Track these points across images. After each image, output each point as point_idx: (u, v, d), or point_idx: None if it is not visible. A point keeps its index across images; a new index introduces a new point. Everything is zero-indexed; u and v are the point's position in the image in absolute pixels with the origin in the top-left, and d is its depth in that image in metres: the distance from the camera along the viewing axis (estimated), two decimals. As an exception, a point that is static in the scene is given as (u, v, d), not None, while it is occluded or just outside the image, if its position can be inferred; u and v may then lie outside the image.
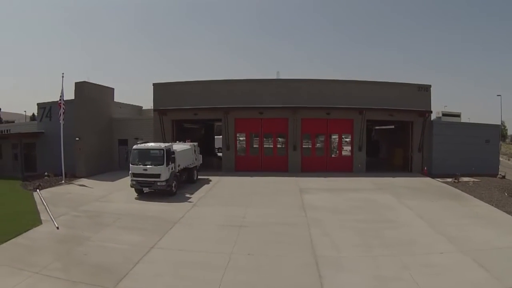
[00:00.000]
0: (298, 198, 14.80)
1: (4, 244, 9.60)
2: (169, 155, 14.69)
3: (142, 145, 15.26)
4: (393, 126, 25.24)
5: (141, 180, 14.57)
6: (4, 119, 53.80)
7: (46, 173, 21.22)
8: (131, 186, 14.99)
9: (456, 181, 18.72)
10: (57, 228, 11.13)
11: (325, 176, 19.55)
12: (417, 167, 21.56)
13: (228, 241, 9.58)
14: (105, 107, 22.41)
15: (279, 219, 11.62)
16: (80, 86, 20.47)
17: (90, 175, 20.57)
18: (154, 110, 21.27)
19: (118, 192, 16.29)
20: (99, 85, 22.03)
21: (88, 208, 13.55)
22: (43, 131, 22.96)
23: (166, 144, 15.29)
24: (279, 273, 7.63)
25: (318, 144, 21.71)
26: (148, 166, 14.42)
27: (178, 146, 16.30)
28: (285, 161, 21.13)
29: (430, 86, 21.93)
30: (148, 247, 9.31)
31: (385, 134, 26.85)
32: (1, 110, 58.84)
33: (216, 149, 31.55)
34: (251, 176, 19.48)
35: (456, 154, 21.28)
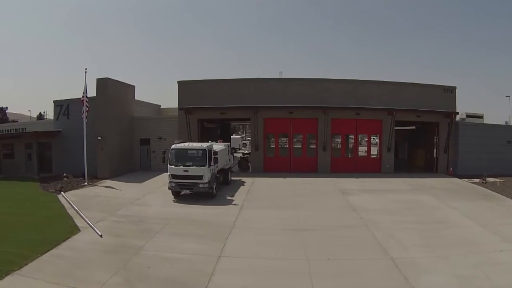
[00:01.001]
0: (343, 199, 13.93)
1: (44, 256, 8.19)
2: (211, 156, 13.37)
3: (181, 144, 13.87)
4: (413, 127, 24.59)
5: (181, 182, 13.19)
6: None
7: (64, 174, 19.48)
8: (169, 189, 13.60)
9: (483, 181, 18.20)
10: (101, 236, 9.71)
11: (356, 177, 18.64)
12: (443, 168, 20.91)
13: (297, 245, 8.82)
14: (126, 105, 20.82)
15: (336, 222, 10.88)
16: (103, 83, 18.84)
17: (112, 176, 18.98)
18: (180, 108, 19.83)
19: (151, 195, 14.87)
20: (121, 82, 20.43)
21: (126, 213, 12.13)
22: (60, 130, 21.14)
23: (208, 144, 13.96)
24: (366, 277, 7.13)
25: (347, 145, 20.81)
26: (189, 167, 13.05)
27: (216, 146, 15.00)
28: (315, 161, 20.07)
29: (455, 87, 21.36)
30: (215, 256, 8.16)
31: (404, 135, 26.19)
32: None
33: (233, 149, 30.17)
34: (283, 177, 18.35)
35: (480, 155, 20.77)
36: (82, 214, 11.64)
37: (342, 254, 8.20)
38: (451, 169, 20.73)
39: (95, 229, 10.17)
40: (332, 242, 9.05)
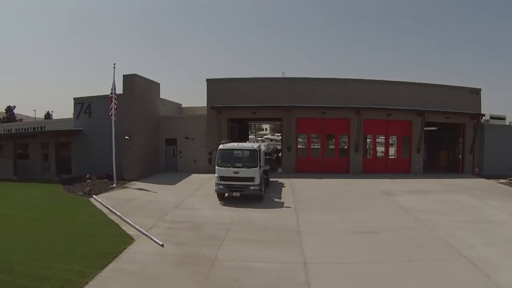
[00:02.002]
0: (389, 200, 13.32)
1: (105, 272, 6.98)
2: (261, 156, 12.33)
3: (230, 144, 12.82)
4: (435, 128, 24.21)
5: (231, 184, 12.06)
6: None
7: (87, 176, 18.01)
8: (217, 191, 12.45)
9: (511, 181, 17.98)
10: (162, 245, 8.52)
11: (390, 178, 17.99)
12: (468, 169, 20.55)
13: (373, 248, 8.31)
14: (151, 103, 19.45)
15: (395, 223, 10.35)
16: (130, 80, 17.44)
17: (139, 177, 17.63)
18: (211, 107, 18.63)
19: (193, 198, 13.68)
20: (147, 78, 19.05)
21: (176, 218, 10.93)
22: (81, 128, 19.56)
23: (257, 144, 12.90)
24: (451, 276, 6.86)
25: (378, 146, 20.15)
26: (239, 169, 11.97)
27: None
28: (346, 162, 19.25)
29: (480, 89, 21.05)
30: (299, 263, 7.36)
31: (425, 136, 25.85)
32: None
33: None
34: (318, 178, 17.47)
35: (505, 155, 20.58)
36: (129, 221, 10.38)
37: (419, 255, 7.83)
38: (477, 169, 20.40)
39: (152, 237, 8.96)
40: (403, 243, 8.62)
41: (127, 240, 8.91)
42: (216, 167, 12.39)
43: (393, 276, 6.82)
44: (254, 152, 12.22)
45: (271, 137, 47.57)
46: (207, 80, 19.46)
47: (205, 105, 19.37)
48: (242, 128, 29.06)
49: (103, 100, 19.11)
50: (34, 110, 54.23)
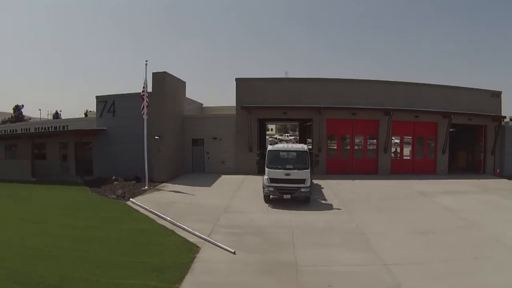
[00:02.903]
0: (430, 201, 13.32)
1: (185, 286, 6.33)
2: (311, 158, 11.95)
3: (279, 145, 12.55)
4: (453, 130, 24.43)
5: (282, 187, 11.60)
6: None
7: (114, 177, 17.11)
8: (267, 193, 11.95)
9: None
10: (234, 253, 7.97)
11: (419, 179, 17.87)
12: (490, 169, 20.72)
13: (445, 247, 8.25)
14: (179, 102, 18.71)
15: (447, 223, 10.32)
16: (161, 78, 16.63)
17: (169, 179, 16.90)
18: (241, 107, 18.04)
19: (237, 200, 13.11)
20: (176, 77, 18.28)
21: (230, 222, 10.37)
22: (104, 128, 18.60)
23: (306, 145, 12.50)
24: None
25: (405, 147, 20.10)
26: (291, 171, 11.53)
27: None
28: (375, 163, 19.04)
29: (501, 92, 21.31)
30: (380, 265, 7.22)
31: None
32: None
33: None
34: (351, 179, 17.15)
35: (523, 156, 20.87)
36: (184, 226, 9.72)
37: (481, 252, 7.84)
38: (498, 170, 20.64)
39: (220, 244, 8.38)
40: (462, 242, 8.61)
41: (193, 248, 8.28)
42: (266, 169, 11.91)
43: (467, 272, 6.85)
44: (304, 154, 11.89)
45: (279, 137, 47.16)
46: (236, 79, 18.86)
47: (227, 104, 18.98)
48: (262, 129, 28.57)
49: (128, 98, 18.34)
50: (39, 110, 51.99)
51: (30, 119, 46.31)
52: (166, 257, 7.71)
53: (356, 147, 19.49)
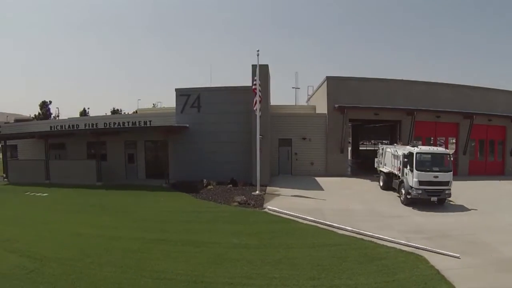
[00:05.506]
0: None
1: None
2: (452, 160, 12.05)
3: (426, 148, 12.22)
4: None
5: (431, 189, 11.45)
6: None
7: (205, 181, 15.37)
8: (415, 196, 11.56)
9: None
10: (458, 257, 7.43)
11: (498, 180, 18.34)
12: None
13: None
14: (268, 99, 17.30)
15: None
16: (264, 71, 15.16)
17: (268, 182, 15.51)
18: (334, 107, 17.19)
19: (374, 203, 12.48)
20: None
21: (406, 228, 9.55)
22: (187, 125, 16.59)
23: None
24: None
25: (480, 149, 20.66)
26: (438, 173, 11.39)
27: None
28: (454, 165, 19.34)
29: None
30: None
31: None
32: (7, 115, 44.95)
33: None
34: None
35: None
36: (384, 237, 8.66)
37: None
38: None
39: (442, 251, 7.72)
40: None
41: (418, 258, 7.47)
42: (415, 171, 11.46)
43: None
44: (448, 156, 11.92)
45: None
46: (327, 77, 18.00)
47: (296, 103, 17.94)
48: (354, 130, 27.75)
49: (216, 92, 16.76)
50: (57, 108, 46.69)
51: (58, 116, 41.60)
52: (404, 274, 6.73)
53: (438, 149, 19.56)
